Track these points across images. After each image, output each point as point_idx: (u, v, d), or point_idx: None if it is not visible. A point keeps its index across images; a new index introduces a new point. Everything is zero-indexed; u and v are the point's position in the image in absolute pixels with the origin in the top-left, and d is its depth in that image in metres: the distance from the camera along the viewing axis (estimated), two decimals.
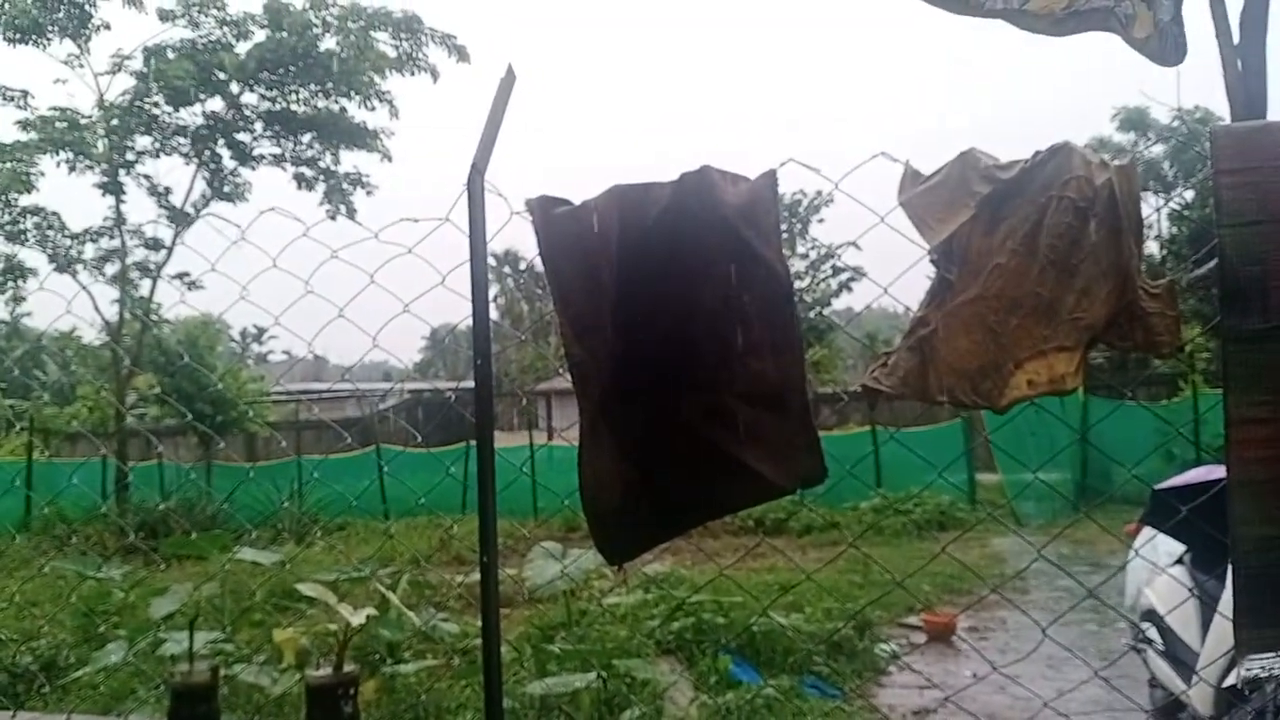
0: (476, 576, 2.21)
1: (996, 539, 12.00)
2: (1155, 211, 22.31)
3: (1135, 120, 23.59)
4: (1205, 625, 4.41)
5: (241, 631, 5.41)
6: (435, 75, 17.54)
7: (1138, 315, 1.84)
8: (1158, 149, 23.22)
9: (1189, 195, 21.70)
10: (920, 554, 10.60)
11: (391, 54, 17.34)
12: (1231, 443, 1.62)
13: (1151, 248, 21.90)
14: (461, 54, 17.35)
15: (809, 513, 12.71)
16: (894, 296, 2.36)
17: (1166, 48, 2.00)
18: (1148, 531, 5.37)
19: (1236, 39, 2.39)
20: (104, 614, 6.60)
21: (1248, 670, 1.63)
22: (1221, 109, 2.49)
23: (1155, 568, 5.16)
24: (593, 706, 5.12)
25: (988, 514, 11.85)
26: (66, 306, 3.20)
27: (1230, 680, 3.49)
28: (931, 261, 1.94)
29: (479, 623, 2.23)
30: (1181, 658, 4.67)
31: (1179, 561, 5.02)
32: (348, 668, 2.44)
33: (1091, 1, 1.92)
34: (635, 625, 6.82)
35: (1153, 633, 5.16)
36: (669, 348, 1.94)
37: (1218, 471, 3.77)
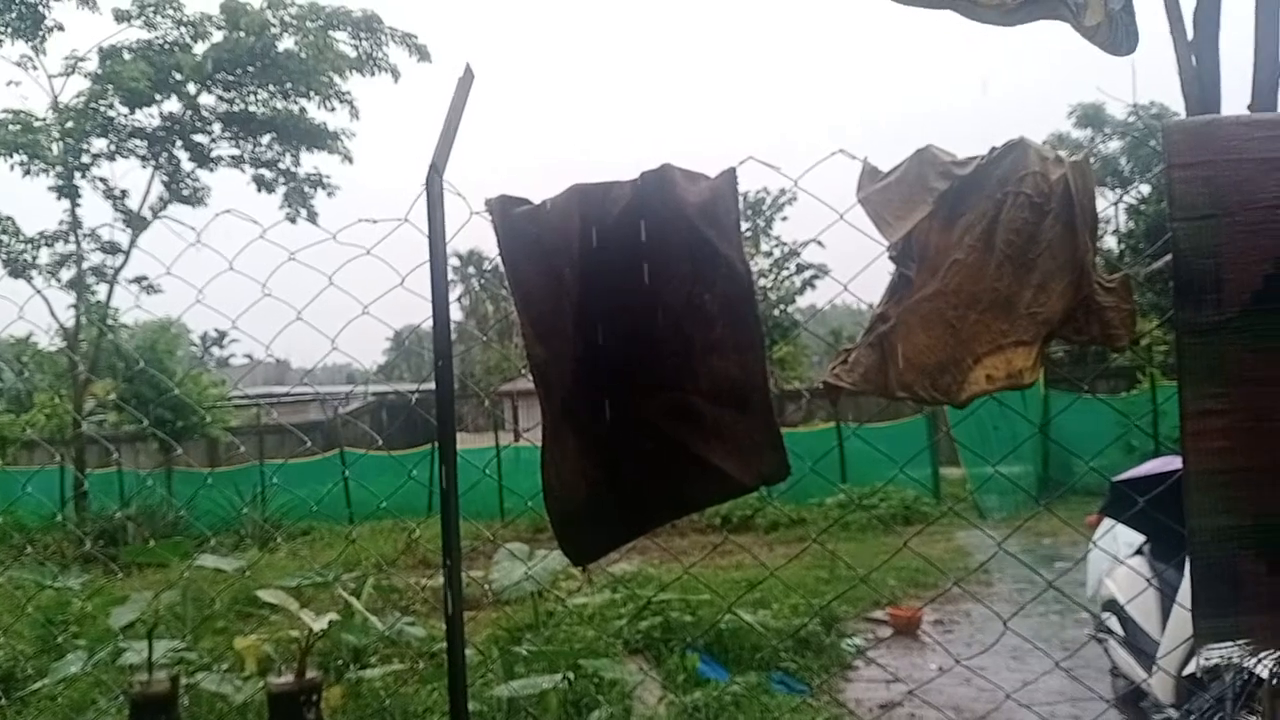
0: (441, 579, 2.19)
1: (961, 533, 12.12)
2: (1112, 206, 22.64)
3: (1092, 116, 23.89)
4: (1165, 614, 4.47)
5: (203, 640, 5.34)
6: (396, 75, 17.42)
7: (1094, 309, 1.86)
8: (1115, 145, 23.55)
9: (1145, 190, 22.02)
10: (885, 549, 10.67)
11: (351, 54, 17.19)
12: (1187, 435, 1.64)
13: (1109, 242, 22.21)
14: (422, 53, 17.25)
15: (775, 509, 12.77)
16: (855, 294, 2.37)
17: (1118, 36, 2.02)
18: (1107, 523, 5.43)
19: (1190, 35, 2.42)
20: (63, 624, 6.49)
21: (1206, 659, 1.65)
22: (1177, 105, 2.52)
23: (1115, 558, 5.23)
24: (560, 708, 5.11)
25: (950, 509, 11.96)
26: (19, 312, 3.14)
27: (1190, 669, 3.54)
28: (891, 258, 1.95)
29: (444, 625, 2.22)
30: (1142, 647, 4.74)
31: (1138, 552, 5.09)
32: (311, 674, 2.42)
33: None
34: (602, 625, 6.81)
35: (1114, 623, 5.23)
36: (631, 347, 1.93)
37: (1175, 463, 3.83)
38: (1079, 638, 6.74)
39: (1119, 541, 5.29)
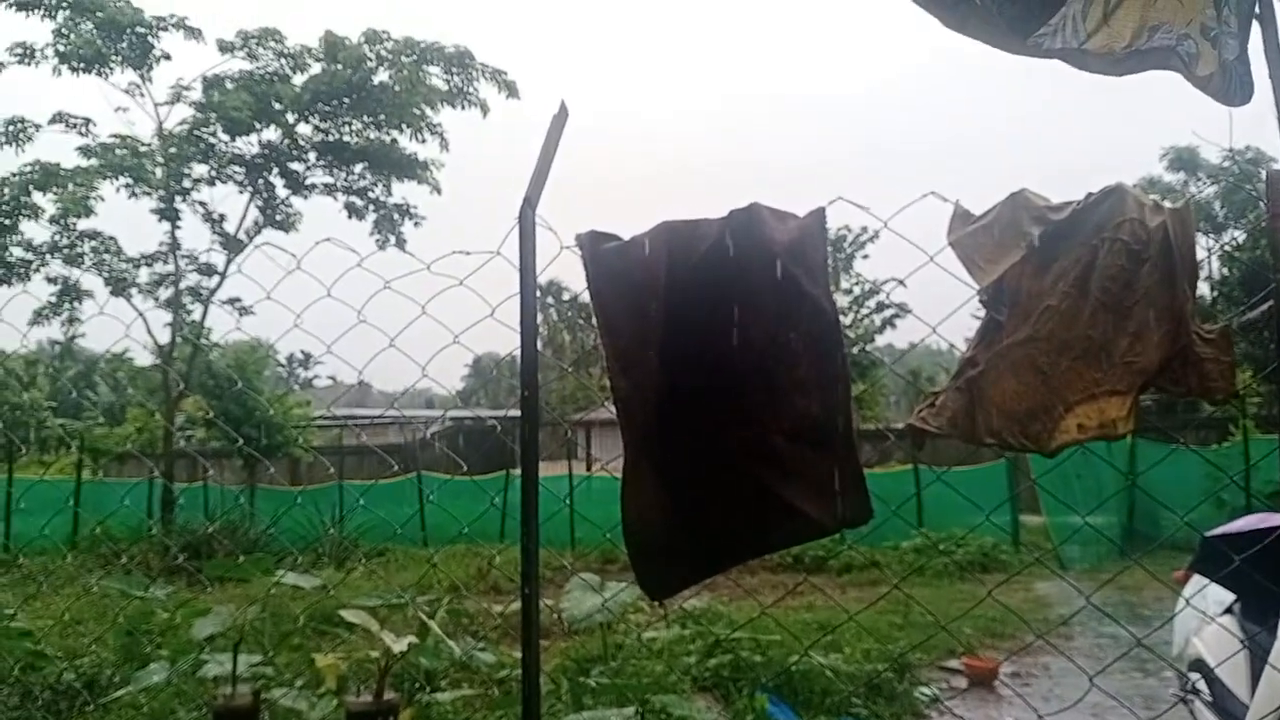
0: (515, 606, 2.21)
1: (1040, 582, 11.78)
2: (1207, 253, 21.98)
3: (1186, 160, 23.31)
4: (1255, 677, 4.29)
5: (281, 655, 5.44)
6: (485, 109, 17.81)
7: (1192, 360, 1.82)
8: (1209, 189, 22.92)
9: (1240, 236, 21.36)
10: (961, 595, 10.42)
11: (443, 88, 17.64)
12: None
13: (1202, 289, 21.55)
14: (511, 89, 17.61)
15: (849, 551, 12.57)
16: (941, 335, 2.35)
17: (1231, 87, 1.97)
18: (1197, 579, 5.24)
19: None
20: (147, 633, 6.66)
21: None
22: (1273, 149, 2.45)
23: (1204, 616, 5.04)
24: None
25: (1035, 558, 11.65)
26: (126, 330, 3.27)
27: None
28: (981, 302, 1.93)
29: (515, 652, 2.23)
30: (1230, 709, 4.55)
31: (1228, 611, 4.89)
32: (387, 695, 2.45)
33: (1153, 41, 1.91)
34: (672, 660, 6.76)
35: (1200, 683, 5.03)
36: (715, 383, 1.94)
37: (1271, 520, 3.69)
38: (1162, 696, 6.49)
39: (1208, 599, 5.10)
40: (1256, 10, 2.10)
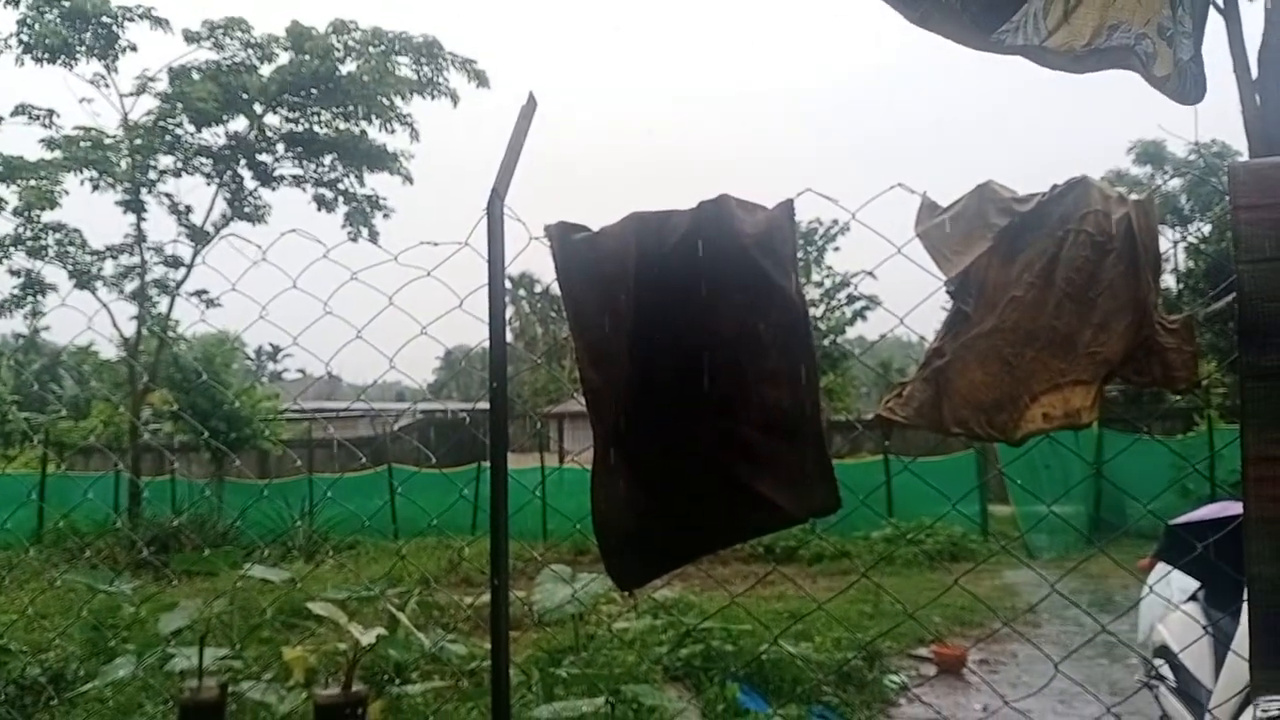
0: (485, 598, 2.20)
1: (1008, 571, 11.90)
2: (1172, 246, 22.25)
3: (1152, 154, 23.57)
4: (1218, 663, 4.35)
5: (250, 648, 5.40)
6: (455, 99, 17.70)
7: (1155, 350, 1.84)
8: (1175, 182, 23.19)
9: (1205, 229, 21.63)
10: (931, 585, 10.51)
11: (412, 78, 17.52)
12: (1249, 480, 1.61)
13: (1168, 281, 21.81)
14: (481, 79, 17.52)
15: (820, 541, 12.65)
16: (909, 326, 2.36)
17: (1186, 86, 2.00)
18: (1161, 567, 5.32)
19: (1255, 74, 2.40)
20: (113, 628, 6.60)
21: (1264, 711, 1.61)
22: (1238, 143, 2.49)
23: (1169, 604, 5.11)
24: None
25: (1001, 547, 11.76)
26: (88, 323, 3.23)
27: (1243, 719, 3.45)
28: (948, 293, 1.94)
29: (486, 644, 2.23)
30: (1194, 695, 4.62)
31: (1193, 598, 4.97)
32: (356, 687, 2.44)
33: (1111, 39, 1.93)
34: (643, 651, 6.78)
35: (1165, 669, 5.11)
36: (685, 374, 1.94)
37: (1233, 508, 3.75)
38: (1127, 682, 6.59)
39: (1172, 587, 5.17)
40: (1221, 5, 2.13)
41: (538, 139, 2.25)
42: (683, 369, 1.95)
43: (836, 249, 26.96)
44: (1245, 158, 2.47)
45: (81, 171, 16.37)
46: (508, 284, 2.38)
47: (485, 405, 2.24)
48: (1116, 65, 2.00)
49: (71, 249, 17.09)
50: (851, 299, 26.23)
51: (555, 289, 2.05)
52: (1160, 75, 1.97)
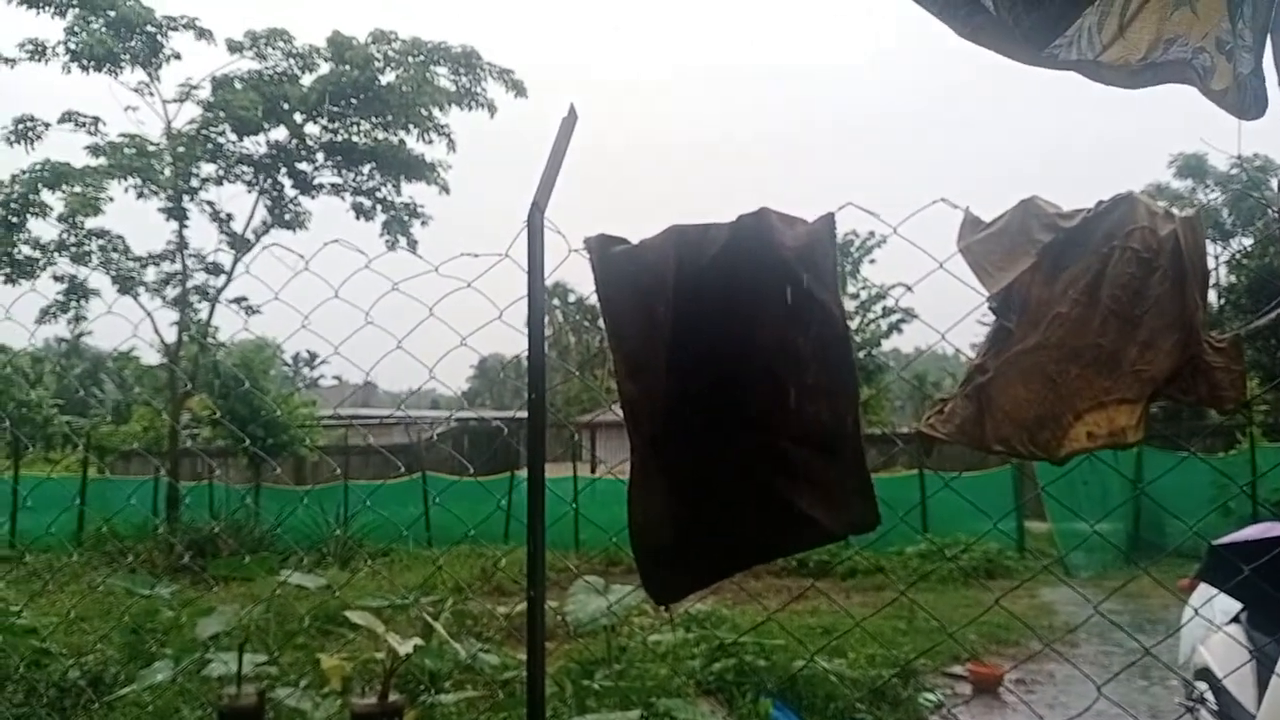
0: (519, 608, 2.21)
1: (1045, 589, 11.75)
2: (1215, 261, 21.92)
3: (1194, 167, 23.27)
4: (1261, 687, 4.27)
5: (286, 655, 5.44)
6: (493, 110, 17.84)
7: (1202, 369, 1.81)
8: (1216, 196, 22.86)
9: (1248, 244, 21.30)
10: (966, 601, 10.39)
11: (450, 88, 17.67)
12: None
13: (1210, 297, 21.44)
14: (519, 89, 17.64)
15: (855, 556, 12.55)
16: (949, 340, 2.35)
17: (1246, 101, 1.96)
18: (1204, 588, 5.23)
19: None
20: (152, 632, 6.67)
21: None
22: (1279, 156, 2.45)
23: (1211, 625, 5.02)
24: None
25: (1042, 566, 11.62)
26: (134, 329, 3.28)
27: None
28: (991, 309, 1.92)
29: (519, 654, 2.24)
30: (1235, 718, 4.53)
31: (1235, 620, 4.87)
32: (392, 697, 2.45)
33: (1169, 54, 1.90)
34: (676, 664, 6.75)
35: (1207, 693, 5.01)
36: (723, 387, 1.94)
37: (1278, 529, 3.68)
38: (1167, 705, 6.47)
39: (1215, 608, 5.08)
40: (1272, 23, 2.09)
41: (579, 149, 2.26)
42: (721, 382, 1.94)
43: (873, 261, 26.85)
44: None
45: (125, 179, 16.66)
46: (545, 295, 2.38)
47: (520, 414, 2.24)
48: (1173, 80, 1.97)
49: (114, 255, 17.37)
50: (888, 311, 26.08)
51: (589, 299, 2.06)
52: (1218, 89, 1.93)
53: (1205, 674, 5.10)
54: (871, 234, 25.98)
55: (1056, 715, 6.70)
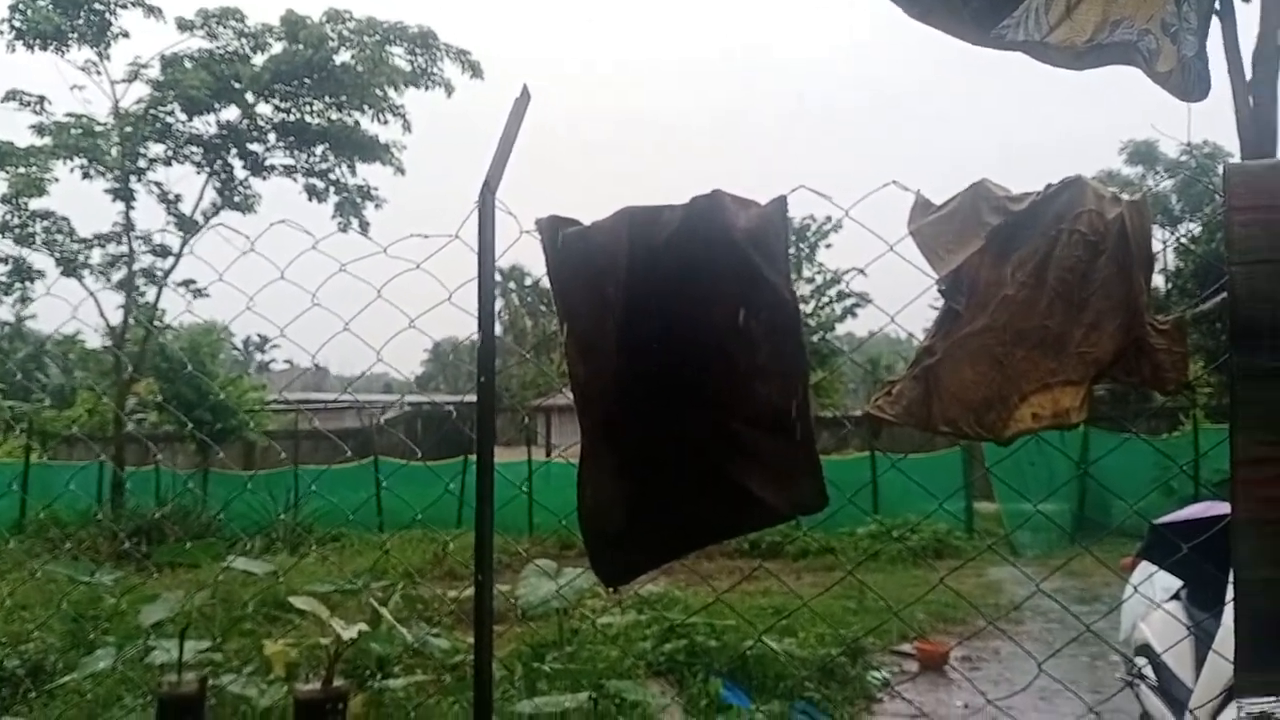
0: (470, 592, 2.19)
1: (992, 568, 11.94)
2: (1163, 246, 22.32)
3: (1144, 154, 23.66)
4: (1199, 662, 4.37)
5: (231, 641, 5.37)
6: (449, 90, 17.64)
7: (1145, 351, 1.83)
8: (1165, 183, 23.27)
9: (1195, 230, 21.72)
10: (915, 581, 10.53)
11: (406, 68, 17.44)
12: (1238, 482, 1.60)
13: (1156, 281, 21.83)
14: (475, 69, 17.45)
15: (805, 537, 12.66)
16: (899, 324, 2.36)
17: (1189, 83, 1.99)
18: (1145, 566, 5.33)
19: (1249, 76, 2.39)
20: (94, 619, 6.56)
21: (1247, 713, 1.60)
22: (1230, 144, 2.49)
23: (1151, 603, 5.13)
24: None
25: (988, 545, 11.80)
26: (73, 311, 3.19)
27: (1223, 718, 3.46)
28: (940, 291, 1.93)
29: (470, 639, 2.21)
30: (1175, 694, 4.63)
31: (1175, 597, 4.98)
32: (337, 682, 2.42)
33: (1114, 35, 1.92)
34: (627, 646, 6.77)
35: (1146, 668, 5.12)
36: (674, 369, 1.93)
37: (1217, 508, 3.76)
38: (1108, 680, 6.61)
39: (1155, 586, 5.19)
40: (1216, 7, 2.12)
41: (534, 131, 2.23)
42: (672, 363, 1.93)
43: (828, 245, 27.00)
44: (1237, 159, 2.46)
45: (71, 159, 16.30)
46: (497, 277, 2.35)
47: (473, 398, 2.22)
48: (1118, 61, 1.99)
49: (59, 237, 16.99)
50: (842, 295, 26.27)
51: (545, 282, 2.04)
52: (1163, 71, 1.95)
53: (1145, 650, 5.21)
54: (828, 219, 26.14)
55: (1001, 691, 6.81)
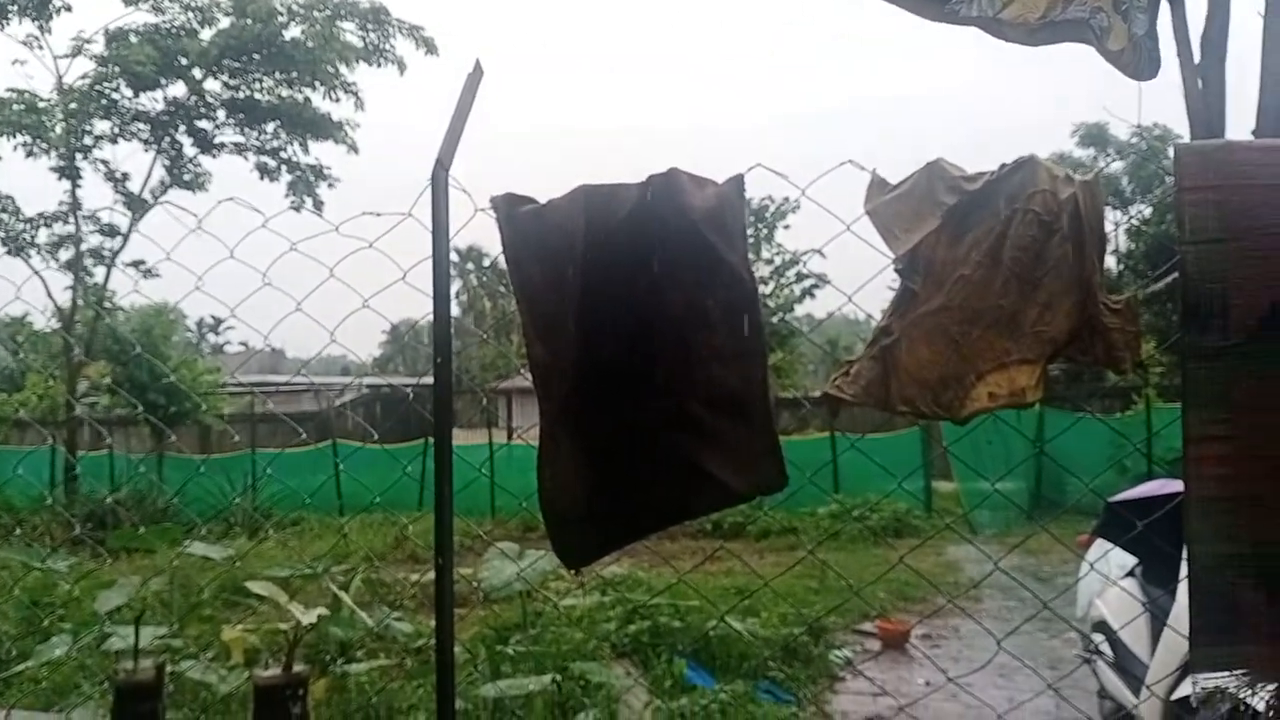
0: (431, 575, 2.17)
1: (951, 547, 12.11)
2: (1114, 227, 22.65)
3: (1095, 136, 23.91)
4: (1155, 638, 4.46)
5: (190, 627, 5.31)
6: (402, 67, 17.40)
7: (1099, 330, 1.85)
8: (1116, 164, 23.56)
9: (1146, 211, 22.02)
10: (876, 560, 10.65)
11: (358, 45, 17.18)
12: (1190, 459, 1.63)
13: (1109, 262, 22.11)
14: (429, 46, 17.22)
15: (767, 517, 12.75)
16: (857, 304, 2.36)
17: (1140, 61, 2.01)
18: (1100, 543, 5.43)
19: (1197, 58, 2.42)
20: (49, 606, 6.46)
21: (1202, 688, 1.64)
22: (1179, 126, 2.52)
23: (1107, 580, 5.22)
24: (546, 709, 5.09)
25: (945, 524, 11.96)
26: (16, 292, 3.12)
27: (1179, 693, 3.54)
28: (896, 271, 1.94)
29: (433, 622, 2.20)
30: (1131, 670, 4.73)
31: (1130, 574, 5.08)
32: (298, 667, 2.40)
33: (1066, 12, 1.93)
34: (591, 628, 6.79)
35: (1103, 644, 5.22)
36: (632, 350, 1.92)
37: (1171, 485, 3.83)
38: (1066, 657, 6.73)
39: (1111, 563, 5.28)
40: None
41: (491, 109, 2.20)
42: (630, 345, 1.92)
43: (787, 227, 27.06)
44: (1187, 140, 2.49)
45: (14, 136, 15.87)
46: (455, 257, 2.34)
47: (430, 380, 2.20)
48: (1071, 38, 2.00)
49: (3, 216, 16.60)
50: (801, 277, 26.35)
51: (503, 263, 2.02)
52: (1114, 49, 1.97)
53: (1102, 626, 5.31)
54: (786, 199, 26.17)
55: (961, 668, 6.92)
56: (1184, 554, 1.67)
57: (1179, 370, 1.67)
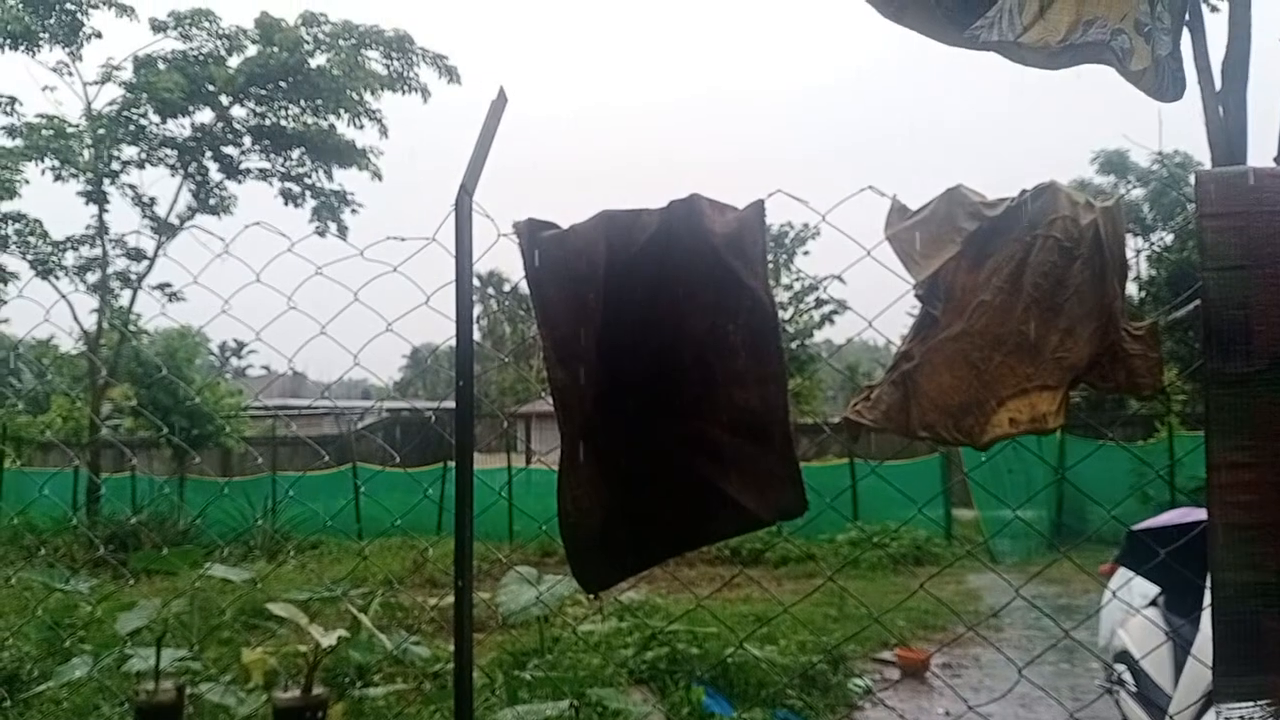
0: (450, 599, 2.18)
1: (971, 575, 12.00)
2: (1136, 254, 22.49)
3: (1115, 163, 23.84)
4: (1178, 668, 4.40)
5: (209, 650, 5.31)
6: (426, 95, 17.57)
7: (1120, 356, 1.85)
8: (1137, 191, 23.46)
9: (1168, 238, 21.90)
10: (895, 588, 10.56)
11: (382, 73, 17.38)
12: (1213, 487, 1.62)
13: (1130, 289, 21.97)
14: (452, 75, 17.41)
15: (786, 544, 12.67)
16: (877, 329, 2.37)
17: (1164, 83, 2.00)
18: (1123, 572, 5.37)
19: (1218, 85, 2.41)
20: (70, 627, 6.48)
21: (1225, 719, 1.62)
22: (1202, 154, 2.51)
23: (1130, 609, 5.16)
24: None
25: (966, 551, 11.86)
26: (45, 315, 3.16)
27: None
28: (917, 296, 1.94)
29: (450, 646, 2.20)
30: (1154, 700, 4.66)
31: (1153, 603, 5.02)
32: (316, 690, 2.40)
33: (1088, 35, 1.93)
34: (608, 653, 6.76)
35: (1126, 674, 5.15)
36: (653, 375, 1.93)
37: (1194, 514, 3.79)
38: (1088, 687, 6.64)
39: (1133, 592, 5.22)
40: (1186, 18, 2.14)
41: (513, 136, 2.23)
42: (651, 369, 1.93)
43: (806, 253, 27.09)
44: (1208, 167, 2.48)
45: (43, 160, 16.13)
46: (476, 282, 2.35)
47: (452, 404, 2.21)
48: (1092, 60, 2.00)
49: (31, 239, 16.82)
50: (820, 302, 26.33)
51: (524, 287, 2.03)
52: (1137, 70, 1.97)
53: (1124, 656, 5.24)
54: (806, 225, 26.20)
55: (981, 697, 6.84)
56: (1207, 583, 1.65)
57: (1201, 397, 1.66)
